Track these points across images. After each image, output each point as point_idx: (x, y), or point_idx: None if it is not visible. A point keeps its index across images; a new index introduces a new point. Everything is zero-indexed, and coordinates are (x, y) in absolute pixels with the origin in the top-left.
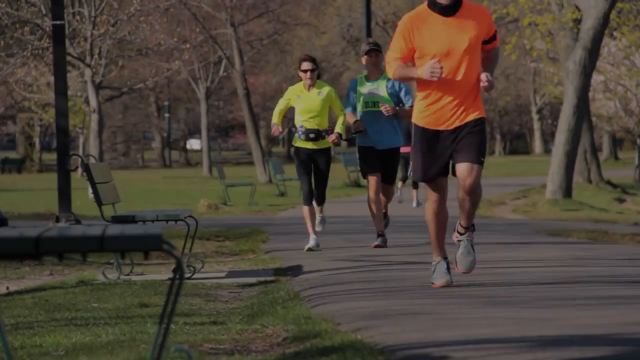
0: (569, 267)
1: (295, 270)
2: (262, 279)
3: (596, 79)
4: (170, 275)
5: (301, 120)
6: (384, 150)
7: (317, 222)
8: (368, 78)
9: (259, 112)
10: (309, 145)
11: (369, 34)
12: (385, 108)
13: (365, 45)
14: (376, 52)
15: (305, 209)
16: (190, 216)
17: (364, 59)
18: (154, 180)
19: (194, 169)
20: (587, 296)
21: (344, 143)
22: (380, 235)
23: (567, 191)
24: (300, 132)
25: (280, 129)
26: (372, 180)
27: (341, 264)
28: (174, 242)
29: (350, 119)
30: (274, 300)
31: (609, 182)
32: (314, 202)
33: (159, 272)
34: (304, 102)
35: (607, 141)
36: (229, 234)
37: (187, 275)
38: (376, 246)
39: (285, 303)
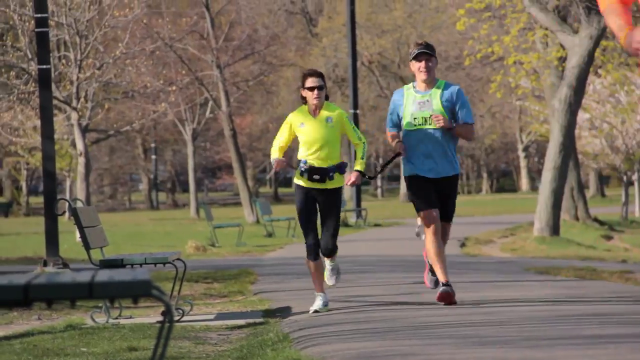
0: (557, 305)
1: (284, 312)
2: (251, 320)
3: (582, 116)
4: (159, 317)
5: (305, 154)
6: (436, 180)
7: (327, 273)
8: (417, 88)
9: (246, 152)
10: (313, 185)
11: (354, 74)
12: (437, 118)
13: (414, 47)
14: (427, 55)
15: (311, 264)
16: (178, 259)
17: (412, 65)
18: (141, 223)
19: (182, 210)
20: (576, 335)
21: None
22: (446, 284)
23: (555, 229)
24: (302, 169)
25: (284, 159)
26: (430, 216)
27: (330, 304)
28: (162, 284)
29: (392, 139)
30: (263, 343)
31: (596, 220)
32: (321, 255)
33: (148, 315)
34: (309, 131)
35: (594, 178)
36: (217, 275)
37: (176, 318)
38: (440, 297)
39: (274, 345)
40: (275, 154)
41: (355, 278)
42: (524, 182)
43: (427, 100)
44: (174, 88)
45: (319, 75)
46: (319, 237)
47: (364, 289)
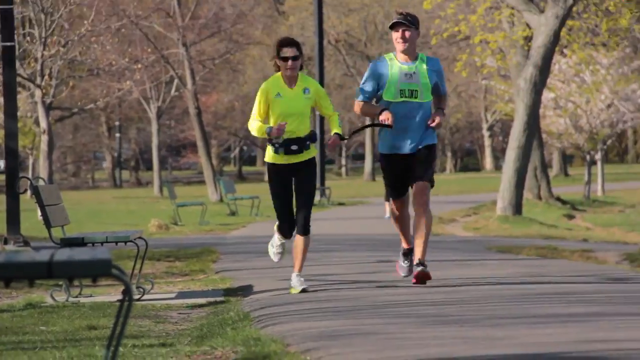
0: (519, 284)
1: (245, 291)
2: (212, 299)
3: (547, 96)
4: (120, 296)
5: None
6: (413, 153)
7: (274, 249)
8: (400, 59)
9: (211, 131)
10: (289, 159)
11: (321, 52)
12: (436, 122)
13: (394, 17)
14: (404, 25)
15: (282, 237)
16: (140, 237)
17: (392, 35)
18: (104, 201)
19: (145, 188)
20: (537, 314)
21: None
22: (408, 252)
23: (517, 208)
24: (277, 145)
25: (282, 123)
26: (398, 204)
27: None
28: (124, 262)
29: (369, 108)
30: (223, 321)
31: (558, 199)
32: (295, 235)
33: (109, 294)
34: (285, 103)
35: (557, 158)
36: (179, 254)
37: (137, 296)
38: (416, 276)
39: (234, 324)
40: (259, 124)
41: (319, 257)
42: (488, 161)
43: (414, 73)
44: (139, 66)
45: (294, 44)
46: (294, 217)
47: (327, 267)
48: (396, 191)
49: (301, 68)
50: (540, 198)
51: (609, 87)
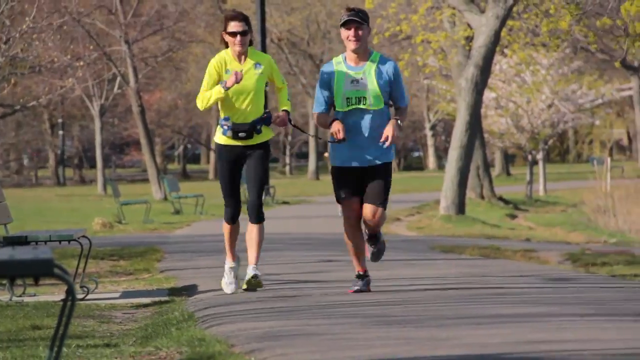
0: (462, 284)
1: (190, 290)
2: (157, 299)
3: (488, 95)
4: (64, 296)
5: (230, 106)
6: (366, 168)
7: (225, 279)
8: (348, 62)
9: (154, 128)
10: (240, 142)
11: (263, 51)
12: (389, 140)
13: (344, 13)
14: (357, 23)
15: (227, 228)
16: (83, 236)
17: (341, 33)
18: (47, 199)
19: (89, 186)
20: (480, 314)
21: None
22: (362, 276)
23: (460, 207)
24: (225, 127)
25: (240, 73)
26: (348, 207)
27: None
28: (67, 261)
29: (325, 120)
30: (168, 322)
31: (501, 198)
32: (248, 222)
33: (52, 293)
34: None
35: (499, 157)
36: (123, 253)
37: (81, 296)
38: (356, 292)
39: (179, 324)
40: (208, 91)
41: (262, 256)
42: (431, 161)
43: (361, 78)
44: (81, 63)
45: (243, 18)
46: (241, 202)
47: (271, 267)
48: (344, 190)
49: (250, 43)
50: (482, 197)
51: (549, 88)
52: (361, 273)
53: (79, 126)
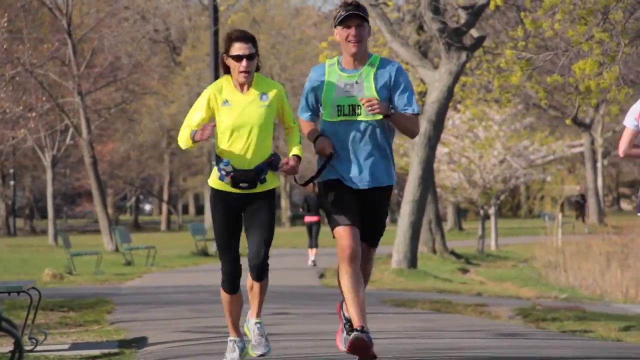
0: (413, 338)
1: (140, 342)
2: (106, 351)
3: (441, 150)
4: (12, 347)
5: (227, 145)
6: (363, 191)
7: (253, 337)
8: (343, 65)
9: (107, 180)
10: (238, 190)
11: None
12: (370, 103)
13: (341, 9)
14: (359, 19)
15: (227, 297)
16: (33, 287)
17: (337, 33)
18: None
19: (40, 237)
20: None
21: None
22: (360, 330)
23: (412, 261)
24: (223, 172)
25: (209, 124)
26: (346, 234)
27: (187, 335)
28: (16, 313)
29: (307, 129)
30: None
31: (453, 253)
32: (248, 281)
33: (1, 345)
34: (235, 112)
35: (452, 212)
36: (73, 304)
37: (29, 348)
38: (351, 347)
39: None
40: (187, 130)
41: (213, 308)
42: None
43: (357, 82)
44: (33, 114)
45: (250, 39)
46: (240, 260)
47: (221, 319)
48: (343, 213)
49: (257, 69)
50: (435, 252)
51: (501, 143)
52: (359, 329)
53: (31, 176)
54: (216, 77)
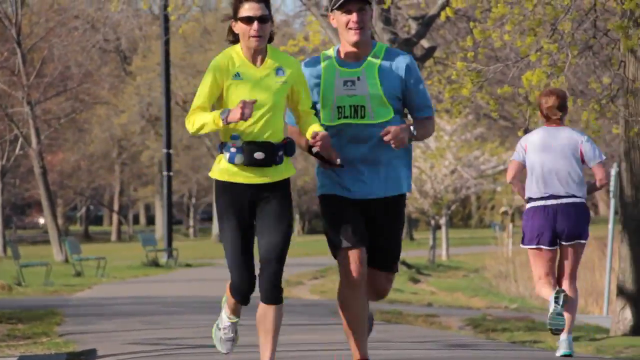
0: None
1: (89, 355)
2: None
3: None
4: None
5: (232, 129)
6: (368, 203)
7: (220, 333)
8: (342, 57)
9: (57, 190)
10: (251, 176)
11: (168, 113)
12: (389, 136)
13: None
14: (362, 1)
15: (233, 303)
16: None
17: (333, 18)
18: None
19: None
20: None
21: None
22: None
23: None
24: (232, 150)
25: (251, 101)
26: (352, 257)
27: (137, 347)
28: None
29: (301, 139)
30: None
31: (404, 263)
32: (259, 309)
33: None
34: (247, 87)
35: None
36: (22, 315)
37: None
38: None
39: None
40: (203, 114)
41: (164, 320)
42: None
43: (359, 79)
44: None
45: None
46: (254, 269)
47: (172, 331)
48: (346, 232)
49: (271, 39)
50: None
51: (452, 154)
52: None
53: None
54: (167, 87)
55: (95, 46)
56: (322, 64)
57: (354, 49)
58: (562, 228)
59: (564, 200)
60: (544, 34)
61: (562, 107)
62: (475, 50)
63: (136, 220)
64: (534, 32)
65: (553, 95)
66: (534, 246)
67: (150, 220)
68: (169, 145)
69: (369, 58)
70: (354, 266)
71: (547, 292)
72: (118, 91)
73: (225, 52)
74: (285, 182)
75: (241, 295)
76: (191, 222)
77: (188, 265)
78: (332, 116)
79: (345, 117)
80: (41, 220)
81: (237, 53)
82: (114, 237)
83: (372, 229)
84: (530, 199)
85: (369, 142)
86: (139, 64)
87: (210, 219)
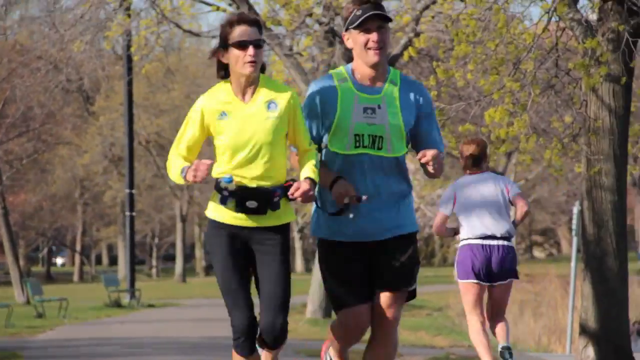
0: None
1: None
2: None
3: None
4: None
5: (228, 167)
6: (384, 242)
7: None
8: (359, 81)
9: (18, 230)
10: (244, 219)
11: (131, 153)
12: (428, 156)
13: (354, 8)
14: (382, 20)
15: (237, 359)
16: None
17: (348, 39)
18: None
19: None
20: None
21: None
22: None
23: (327, 311)
24: (224, 191)
25: (204, 162)
26: (354, 317)
27: None
28: None
29: (325, 178)
30: None
31: None
32: (259, 348)
33: None
34: (236, 126)
35: None
36: None
37: None
38: None
39: None
40: (177, 161)
41: None
42: (299, 263)
43: (379, 107)
44: None
45: (255, 23)
46: (254, 308)
47: None
48: (351, 294)
49: (263, 69)
50: None
51: (415, 192)
52: None
53: None
54: (130, 127)
55: (58, 86)
56: (337, 86)
57: (371, 71)
58: (493, 267)
59: (495, 242)
60: (506, 73)
61: (483, 155)
62: (439, 89)
63: (99, 260)
64: (496, 70)
65: (474, 143)
66: (467, 281)
67: (113, 261)
68: (131, 185)
69: (388, 84)
70: (359, 322)
71: (482, 353)
72: (81, 131)
73: (212, 88)
74: (285, 227)
75: (245, 341)
76: (154, 262)
77: (151, 305)
78: (347, 144)
79: (364, 147)
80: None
81: (225, 89)
82: (76, 277)
83: (387, 260)
84: (463, 239)
85: (384, 176)
86: (102, 104)
87: (173, 258)
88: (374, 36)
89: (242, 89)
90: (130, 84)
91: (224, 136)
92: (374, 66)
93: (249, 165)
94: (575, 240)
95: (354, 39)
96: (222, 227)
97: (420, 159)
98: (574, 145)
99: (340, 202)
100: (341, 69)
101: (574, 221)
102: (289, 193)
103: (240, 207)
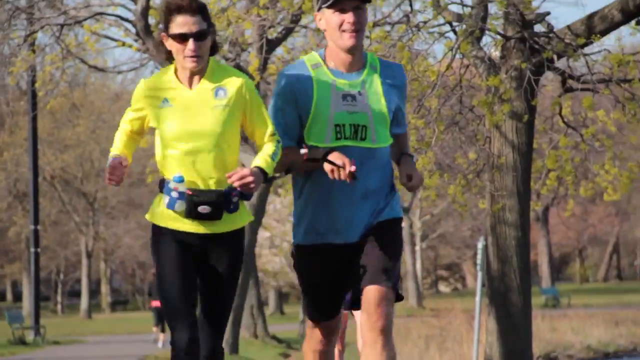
0: None
1: None
2: None
3: (262, 235)
4: None
5: (172, 170)
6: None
7: None
8: (334, 67)
9: None
10: (195, 224)
11: (35, 189)
12: (413, 180)
13: None
14: (358, 2)
15: None
16: None
17: (320, 19)
18: None
19: None
20: None
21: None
22: None
23: (234, 347)
24: (174, 195)
25: (120, 159)
26: (325, 329)
27: None
28: None
29: (297, 154)
30: None
31: (274, 337)
32: None
33: None
34: (177, 117)
35: (273, 296)
36: None
37: None
38: None
39: None
40: (116, 148)
41: None
42: None
43: (359, 93)
44: None
45: (197, 10)
46: (198, 326)
47: None
48: (322, 308)
49: (214, 51)
50: (256, 336)
51: None
52: None
53: None
54: (35, 163)
55: None
56: (312, 71)
57: (347, 56)
58: None
59: None
60: (410, 110)
61: None
62: None
63: (2, 297)
64: None
65: None
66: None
67: (18, 297)
68: (36, 222)
69: (367, 68)
70: (329, 334)
71: None
72: None
73: (157, 73)
74: (238, 233)
75: (186, 349)
76: (59, 299)
77: (56, 342)
78: (327, 136)
79: (345, 139)
80: None
81: (170, 73)
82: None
83: (370, 253)
84: None
85: (369, 169)
86: (6, 139)
87: (78, 294)
88: (349, 17)
89: (187, 76)
90: (34, 119)
91: (166, 126)
92: (350, 50)
93: (195, 159)
94: (480, 275)
95: (327, 20)
96: (169, 234)
97: (404, 183)
98: (477, 181)
99: (338, 175)
100: (312, 54)
101: (479, 256)
102: (226, 174)
103: (193, 213)
